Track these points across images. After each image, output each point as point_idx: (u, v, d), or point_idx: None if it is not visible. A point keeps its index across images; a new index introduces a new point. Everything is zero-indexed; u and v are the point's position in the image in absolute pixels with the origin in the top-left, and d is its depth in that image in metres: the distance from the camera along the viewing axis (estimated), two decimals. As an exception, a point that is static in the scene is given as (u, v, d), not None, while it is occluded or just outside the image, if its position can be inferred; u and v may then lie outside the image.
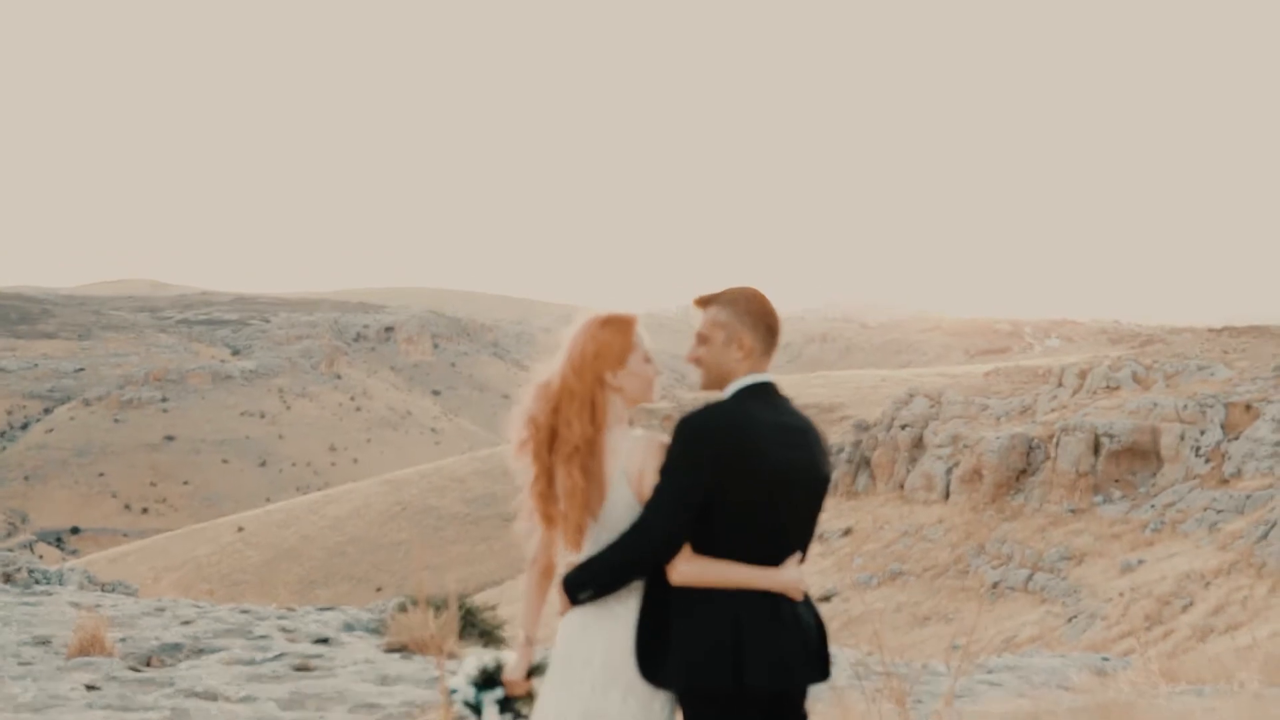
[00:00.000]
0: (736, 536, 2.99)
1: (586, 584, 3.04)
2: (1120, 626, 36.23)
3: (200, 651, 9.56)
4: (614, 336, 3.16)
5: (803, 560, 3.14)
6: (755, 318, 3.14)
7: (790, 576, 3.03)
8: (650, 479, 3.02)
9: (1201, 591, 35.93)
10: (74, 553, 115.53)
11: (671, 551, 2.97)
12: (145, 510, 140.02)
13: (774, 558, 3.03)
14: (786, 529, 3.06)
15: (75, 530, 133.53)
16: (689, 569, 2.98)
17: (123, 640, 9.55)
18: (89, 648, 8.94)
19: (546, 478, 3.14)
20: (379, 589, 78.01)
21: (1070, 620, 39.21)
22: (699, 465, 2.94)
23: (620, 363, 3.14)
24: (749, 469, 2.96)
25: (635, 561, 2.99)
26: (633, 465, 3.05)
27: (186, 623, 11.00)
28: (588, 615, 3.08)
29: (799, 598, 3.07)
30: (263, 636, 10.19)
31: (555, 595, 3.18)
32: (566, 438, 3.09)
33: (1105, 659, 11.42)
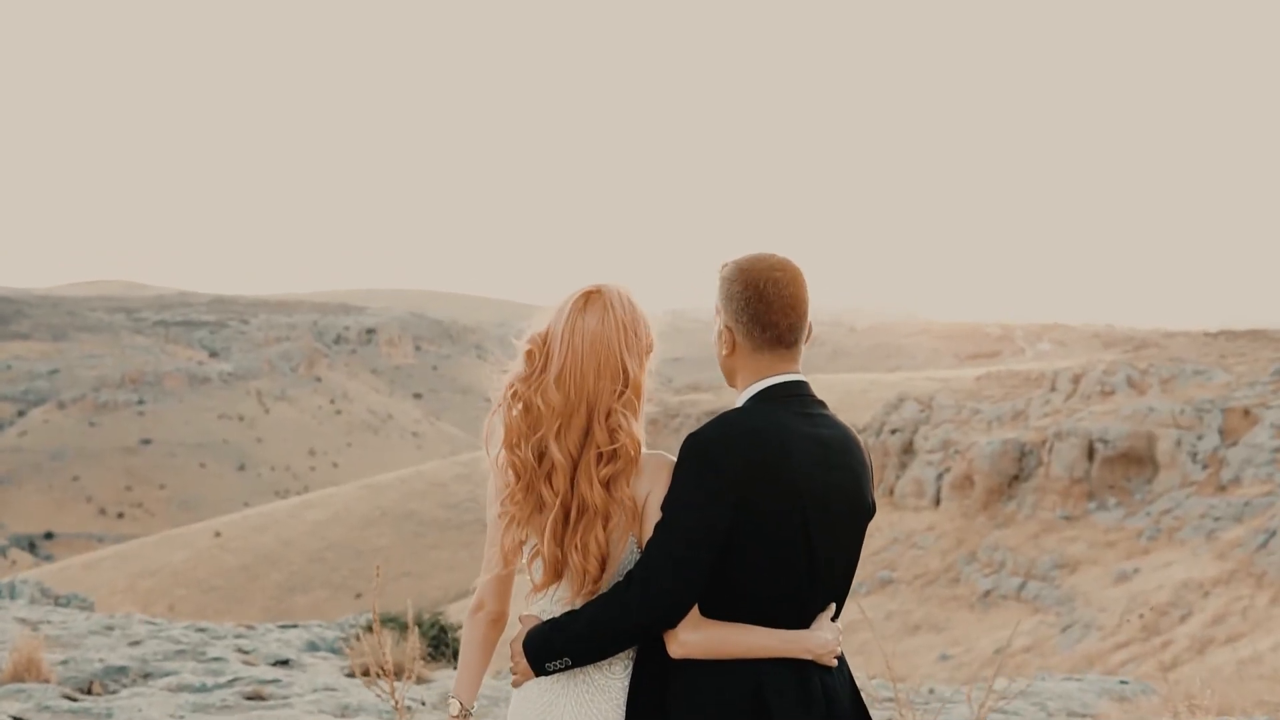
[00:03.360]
0: (757, 588, 2.33)
1: (560, 650, 2.34)
2: (1116, 637, 35.78)
3: (147, 675, 8.94)
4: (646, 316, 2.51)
5: (838, 614, 2.49)
6: (738, 302, 2.43)
7: (824, 640, 2.38)
8: (653, 515, 2.34)
9: (1200, 601, 35.50)
10: (48, 558, 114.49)
11: (678, 615, 2.29)
12: (121, 515, 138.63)
13: (804, 613, 2.39)
14: (820, 575, 2.39)
15: (49, 535, 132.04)
16: (695, 639, 2.31)
17: (64, 663, 8.93)
18: (24, 672, 8.26)
19: (564, 509, 2.38)
20: (358, 595, 77.50)
21: (1065, 630, 38.78)
22: (715, 497, 2.28)
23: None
24: (776, 499, 2.31)
25: (630, 628, 2.30)
26: (635, 493, 2.38)
27: (135, 643, 10.50)
28: (557, 685, 2.40)
29: (833, 664, 2.41)
30: (217, 659, 9.59)
31: (509, 655, 2.51)
32: (624, 449, 2.35)
33: (1124, 682, 10.84)
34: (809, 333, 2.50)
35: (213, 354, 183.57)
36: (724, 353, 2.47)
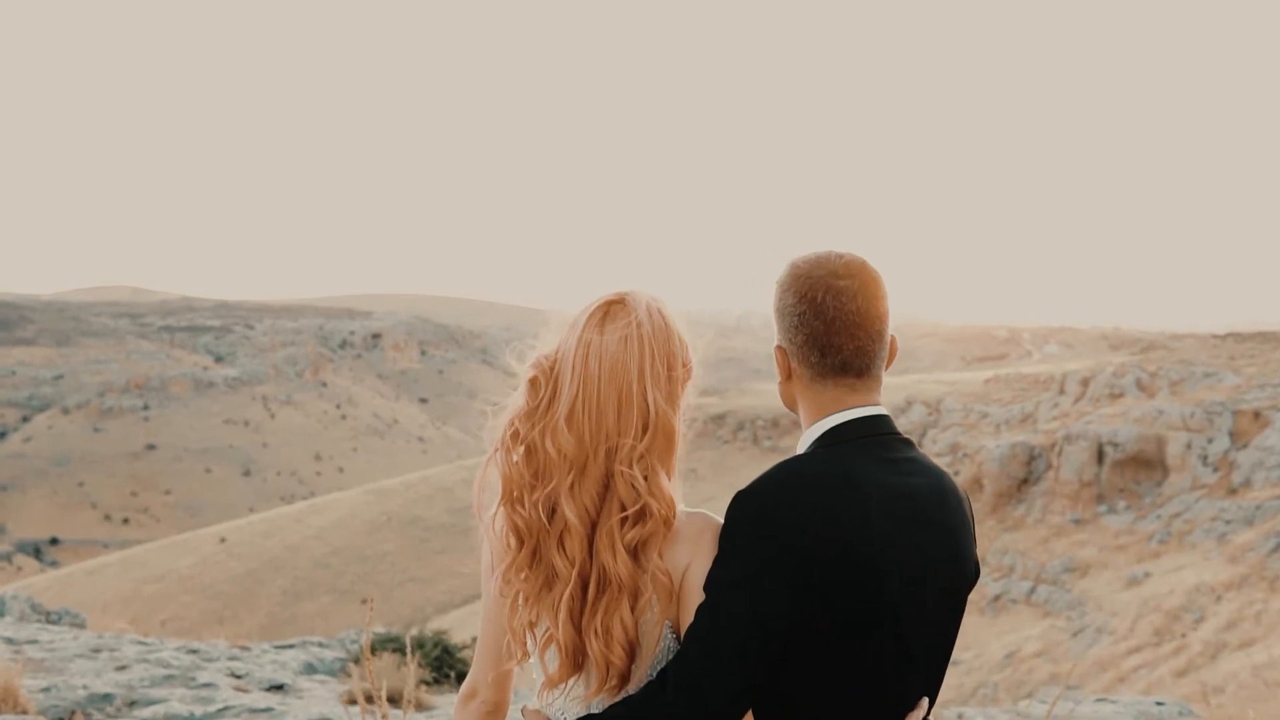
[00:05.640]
0: (829, 685, 1.77)
1: None
2: (1129, 641, 35.51)
3: (133, 703, 8.55)
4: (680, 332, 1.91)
5: (930, 710, 1.89)
6: (791, 318, 1.87)
7: None
8: (694, 594, 1.76)
9: (1212, 605, 35.23)
10: (53, 564, 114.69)
11: None
12: (126, 521, 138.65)
13: (888, 713, 1.82)
14: (909, 666, 1.83)
15: (54, 541, 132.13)
16: None
17: (45, 690, 8.52)
18: (1, 703, 7.94)
19: (581, 582, 1.81)
20: (364, 601, 77.23)
21: (1076, 635, 38.52)
22: (772, 572, 1.71)
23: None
24: (852, 572, 1.74)
25: None
26: (670, 565, 1.80)
27: (122, 667, 10.10)
28: None
29: None
30: (207, 685, 9.21)
31: None
32: (653, 508, 1.76)
33: (1160, 703, 10.25)
34: (892, 353, 1.92)
35: (218, 359, 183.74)
36: (780, 378, 1.94)
